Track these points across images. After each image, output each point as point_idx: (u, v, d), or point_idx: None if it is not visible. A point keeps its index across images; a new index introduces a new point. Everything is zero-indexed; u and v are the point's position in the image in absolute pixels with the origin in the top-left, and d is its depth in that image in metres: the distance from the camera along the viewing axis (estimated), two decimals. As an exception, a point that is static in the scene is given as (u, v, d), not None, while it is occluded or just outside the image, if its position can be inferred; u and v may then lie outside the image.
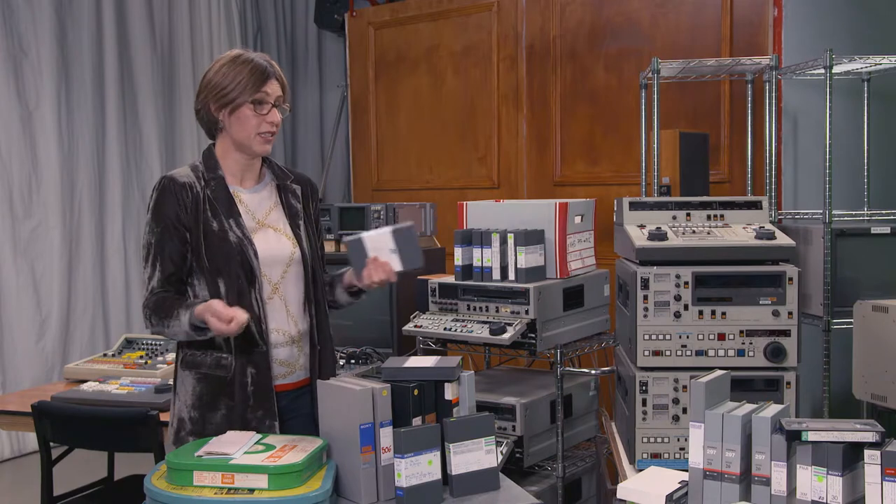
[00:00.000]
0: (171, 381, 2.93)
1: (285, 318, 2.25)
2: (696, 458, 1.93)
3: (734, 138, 4.32)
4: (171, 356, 3.34)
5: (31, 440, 4.95)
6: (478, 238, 3.07)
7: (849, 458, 1.76)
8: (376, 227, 2.28)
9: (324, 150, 6.70)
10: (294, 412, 2.28)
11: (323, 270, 2.41)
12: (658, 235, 2.63)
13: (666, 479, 2.00)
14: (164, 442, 2.61)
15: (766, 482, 1.85)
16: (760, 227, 2.70)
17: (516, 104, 5.10)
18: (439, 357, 2.12)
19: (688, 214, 2.82)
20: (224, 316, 2.02)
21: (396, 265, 2.21)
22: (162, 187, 2.20)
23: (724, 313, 2.55)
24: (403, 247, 2.20)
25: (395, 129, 5.65)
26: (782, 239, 2.62)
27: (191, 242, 2.19)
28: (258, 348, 2.19)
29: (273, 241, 2.25)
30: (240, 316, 2.03)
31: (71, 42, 5.29)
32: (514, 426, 3.01)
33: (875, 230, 3.43)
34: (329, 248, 3.96)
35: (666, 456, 2.56)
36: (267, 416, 2.20)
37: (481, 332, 2.95)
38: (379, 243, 2.21)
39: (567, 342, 3.12)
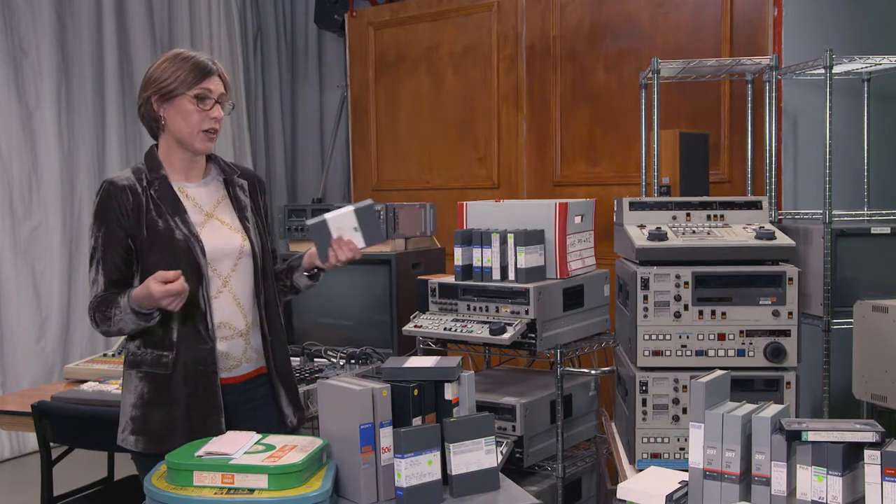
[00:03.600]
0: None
1: (234, 312, 2.27)
2: (696, 458, 1.93)
3: (734, 138, 4.31)
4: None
5: (31, 440, 4.95)
6: (478, 238, 3.07)
7: (849, 458, 1.76)
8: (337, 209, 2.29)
9: (324, 150, 6.70)
10: (246, 404, 2.29)
11: (274, 263, 2.44)
12: (658, 235, 2.63)
13: (666, 479, 2.00)
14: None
15: (766, 482, 1.85)
16: (760, 227, 2.70)
17: (516, 104, 5.10)
18: (439, 357, 2.13)
19: (688, 214, 2.82)
20: (170, 276, 2.03)
21: (360, 242, 2.25)
22: (103, 192, 2.21)
23: (724, 313, 2.55)
24: (365, 224, 2.24)
25: (395, 129, 5.65)
26: (782, 239, 2.62)
27: (134, 246, 2.20)
28: (204, 344, 2.20)
29: (221, 235, 2.27)
30: (182, 278, 2.04)
31: (71, 42, 5.28)
32: (514, 426, 3.01)
33: (875, 230, 3.43)
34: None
35: (666, 456, 2.56)
36: (212, 412, 2.21)
37: (481, 332, 2.95)
38: (342, 223, 2.23)
39: (567, 342, 3.12)
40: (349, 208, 2.24)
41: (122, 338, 3.56)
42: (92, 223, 2.22)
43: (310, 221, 2.25)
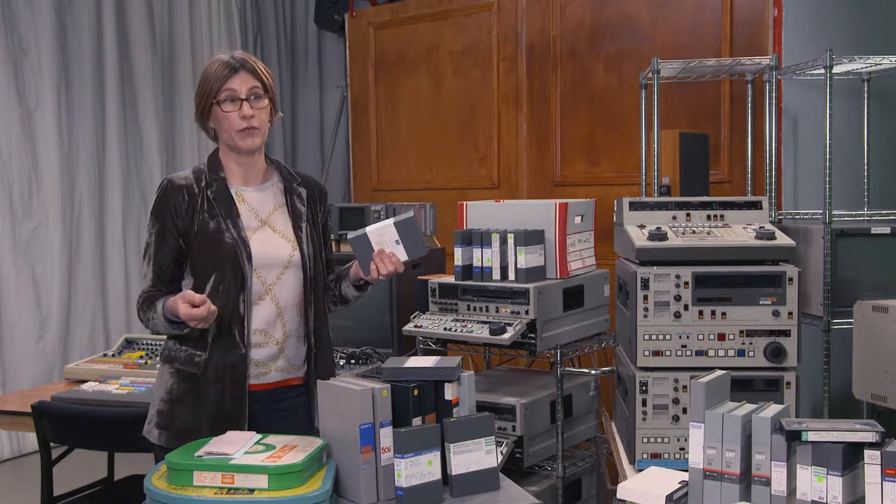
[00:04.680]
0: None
1: (273, 321, 2.26)
2: (696, 458, 1.93)
3: (734, 138, 4.31)
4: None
5: (31, 440, 4.95)
6: (478, 238, 3.07)
7: (849, 458, 1.76)
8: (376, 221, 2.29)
9: (324, 150, 6.70)
10: (276, 413, 2.29)
11: (329, 273, 2.43)
12: (658, 235, 2.63)
13: (666, 479, 2.00)
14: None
15: (766, 482, 1.85)
16: (760, 227, 2.70)
17: (516, 104, 5.10)
18: (439, 357, 2.12)
19: (688, 214, 2.82)
20: (196, 299, 2.05)
21: (402, 255, 2.24)
22: (161, 190, 2.25)
23: (724, 313, 2.55)
24: (406, 237, 2.23)
25: (395, 129, 5.65)
26: (782, 239, 2.62)
27: (185, 245, 2.23)
28: (237, 349, 2.21)
29: (271, 242, 2.27)
30: (209, 304, 2.07)
31: (71, 42, 5.29)
32: (514, 426, 3.01)
33: (875, 230, 3.43)
34: (329, 248, 3.96)
35: (666, 456, 2.56)
36: (237, 418, 2.21)
37: (481, 333, 2.95)
38: (383, 236, 2.23)
39: (567, 342, 3.12)
40: (389, 221, 2.24)
41: (123, 338, 3.58)
42: (148, 218, 2.26)
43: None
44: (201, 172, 2.27)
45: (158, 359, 2.31)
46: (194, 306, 2.06)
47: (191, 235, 2.21)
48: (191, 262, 2.23)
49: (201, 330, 2.17)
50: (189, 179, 2.25)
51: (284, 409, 2.31)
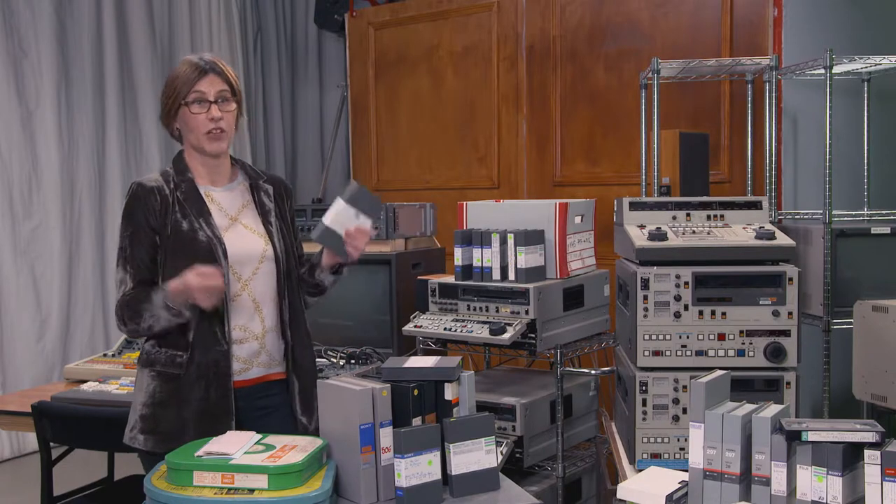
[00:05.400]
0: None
1: (251, 316, 2.28)
2: (696, 458, 1.93)
3: (734, 138, 4.31)
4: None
5: (31, 440, 4.95)
6: (478, 238, 3.07)
7: (849, 458, 1.76)
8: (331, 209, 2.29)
9: (324, 150, 6.70)
10: (258, 410, 2.30)
11: (299, 265, 2.43)
12: (658, 235, 2.63)
13: (666, 479, 2.00)
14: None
15: (766, 482, 1.86)
16: (760, 228, 2.70)
17: (516, 104, 5.10)
18: (439, 357, 2.13)
19: (688, 214, 2.82)
20: (207, 271, 2.06)
21: (367, 223, 2.26)
22: (132, 193, 2.25)
23: (724, 313, 2.55)
24: (362, 206, 2.25)
25: (395, 129, 5.65)
26: (782, 239, 2.62)
27: (161, 246, 2.23)
28: (219, 346, 2.21)
29: (244, 239, 2.28)
30: (220, 276, 2.08)
31: (71, 42, 5.29)
32: (514, 426, 3.01)
33: (875, 230, 3.43)
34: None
35: (666, 456, 2.56)
36: (223, 415, 2.21)
37: (481, 333, 2.95)
38: (343, 219, 2.24)
39: (567, 342, 3.12)
40: (340, 203, 2.24)
41: (123, 338, 3.57)
42: (121, 224, 2.25)
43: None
44: (168, 175, 2.29)
45: (138, 364, 2.29)
46: None
47: (164, 236, 2.22)
48: (166, 263, 2.22)
49: (181, 330, 2.18)
50: (158, 181, 2.26)
51: (267, 407, 2.32)
